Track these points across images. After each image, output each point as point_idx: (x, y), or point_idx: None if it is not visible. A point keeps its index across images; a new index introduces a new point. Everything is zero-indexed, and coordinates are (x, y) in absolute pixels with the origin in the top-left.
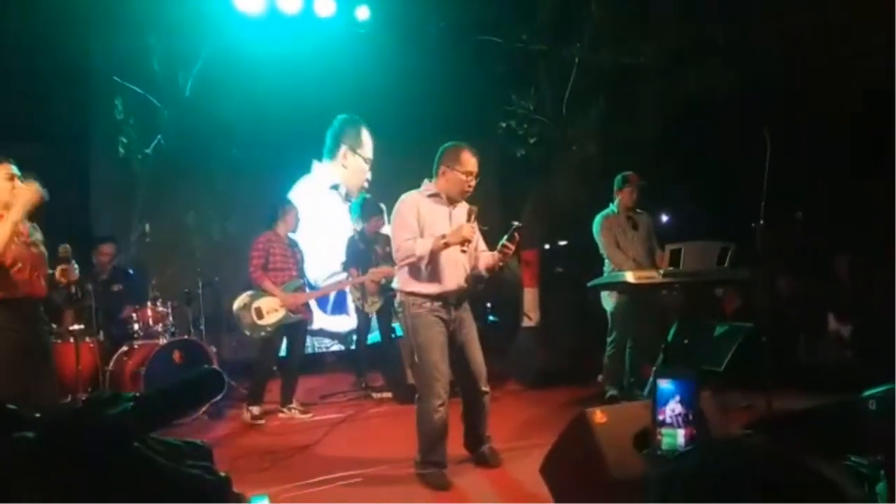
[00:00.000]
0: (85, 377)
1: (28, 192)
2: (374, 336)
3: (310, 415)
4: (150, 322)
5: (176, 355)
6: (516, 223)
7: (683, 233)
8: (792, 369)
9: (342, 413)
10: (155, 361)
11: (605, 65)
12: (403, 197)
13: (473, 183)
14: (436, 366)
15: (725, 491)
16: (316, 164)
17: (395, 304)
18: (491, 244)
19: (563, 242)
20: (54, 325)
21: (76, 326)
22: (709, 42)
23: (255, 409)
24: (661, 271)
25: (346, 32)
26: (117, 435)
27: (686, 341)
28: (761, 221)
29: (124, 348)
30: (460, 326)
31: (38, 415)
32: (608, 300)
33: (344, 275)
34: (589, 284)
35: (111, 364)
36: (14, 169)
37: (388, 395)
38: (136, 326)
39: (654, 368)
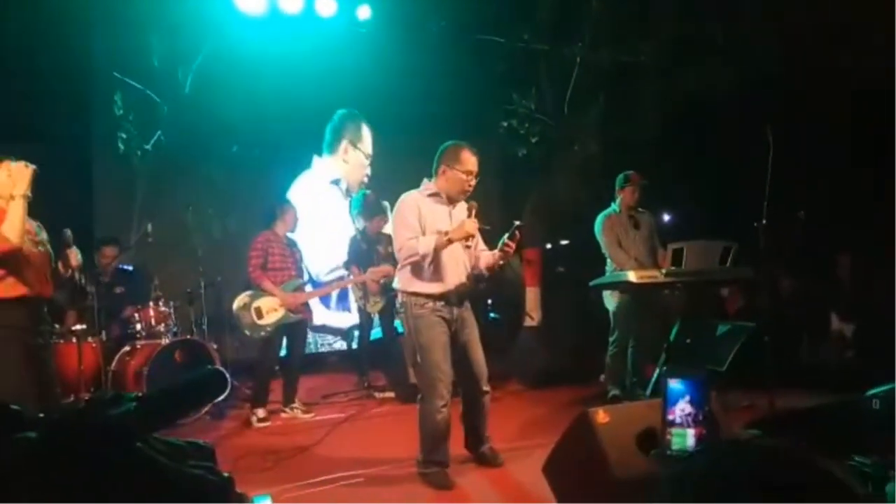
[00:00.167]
0: (87, 377)
1: (24, 170)
2: (375, 332)
3: (312, 414)
4: (153, 322)
5: (178, 355)
6: (517, 222)
7: (684, 232)
8: (794, 369)
9: (344, 413)
10: (157, 361)
11: (606, 64)
12: (403, 197)
13: (473, 182)
14: (438, 366)
15: (737, 492)
16: (316, 159)
17: (397, 305)
18: (492, 244)
19: (564, 242)
20: (57, 326)
21: (78, 326)
22: (709, 41)
23: (261, 412)
24: (664, 271)
25: (348, 32)
26: (120, 435)
27: (688, 341)
28: (764, 221)
29: (127, 348)
30: (462, 326)
31: (40, 415)
32: (610, 300)
33: (345, 272)
34: (591, 284)
35: (113, 364)
36: (13, 165)
37: (391, 394)
38: (138, 326)
39: (657, 368)
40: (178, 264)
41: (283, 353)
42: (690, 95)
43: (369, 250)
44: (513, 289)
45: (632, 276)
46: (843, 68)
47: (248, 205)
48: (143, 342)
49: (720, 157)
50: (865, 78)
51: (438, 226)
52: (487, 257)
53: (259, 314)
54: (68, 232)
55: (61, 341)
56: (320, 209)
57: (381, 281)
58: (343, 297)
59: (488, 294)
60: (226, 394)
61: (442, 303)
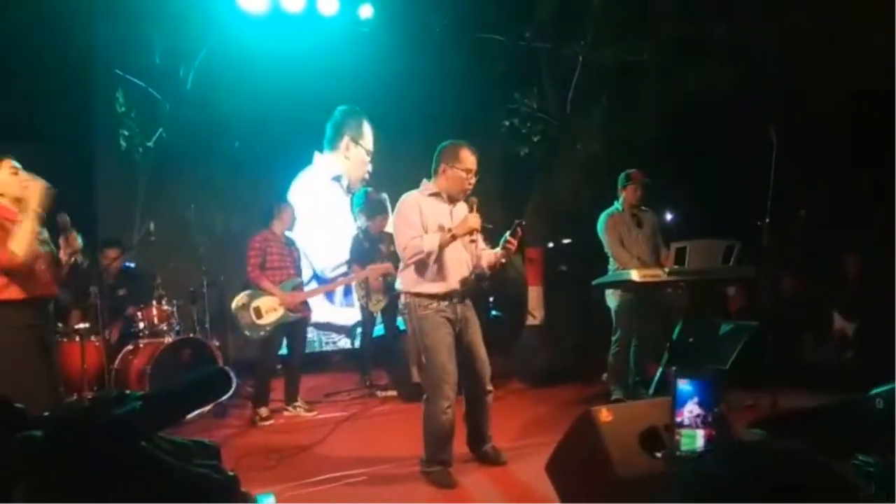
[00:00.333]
0: (90, 376)
1: (40, 186)
2: (378, 330)
3: (314, 413)
4: (156, 321)
5: (181, 354)
6: (519, 220)
7: (685, 231)
8: (796, 368)
9: (347, 411)
10: (160, 360)
11: (608, 63)
12: (404, 197)
13: (473, 180)
14: (444, 367)
15: (747, 492)
16: (317, 156)
17: (400, 306)
18: (494, 244)
19: (567, 241)
20: (60, 325)
21: (82, 325)
22: (711, 40)
23: (263, 411)
24: (667, 270)
25: (349, 30)
26: (125, 434)
27: (691, 340)
28: (767, 220)
29: (130, 347)
30: (466, 325)
31: (45, 413)
32: (612, 298)
33: (347, 270)
34: (594, 283)
35: (116, 362)
36: (15, 163)
37: (393, 393)
38: (141, 325)
39: (659, 367)
40: (180, 263)
41: (284, 351)
42: (692, 95)
43: (371, 249)
44: (515, 287)
45: (634, 275)
46: (843, 68)
47: (250, 202)
48: (145, 341)
49: (721, 157)
50: (865, 78)
51: (440, 224)
52: (489, 255)
53: (258, 314)
54: (65, 216)
55: (65, 340)
56: (322, 206)
57: (384, 279)
58: (348, 293)
59: (490, 292)
60: (231, 393)
61: (446, 303)
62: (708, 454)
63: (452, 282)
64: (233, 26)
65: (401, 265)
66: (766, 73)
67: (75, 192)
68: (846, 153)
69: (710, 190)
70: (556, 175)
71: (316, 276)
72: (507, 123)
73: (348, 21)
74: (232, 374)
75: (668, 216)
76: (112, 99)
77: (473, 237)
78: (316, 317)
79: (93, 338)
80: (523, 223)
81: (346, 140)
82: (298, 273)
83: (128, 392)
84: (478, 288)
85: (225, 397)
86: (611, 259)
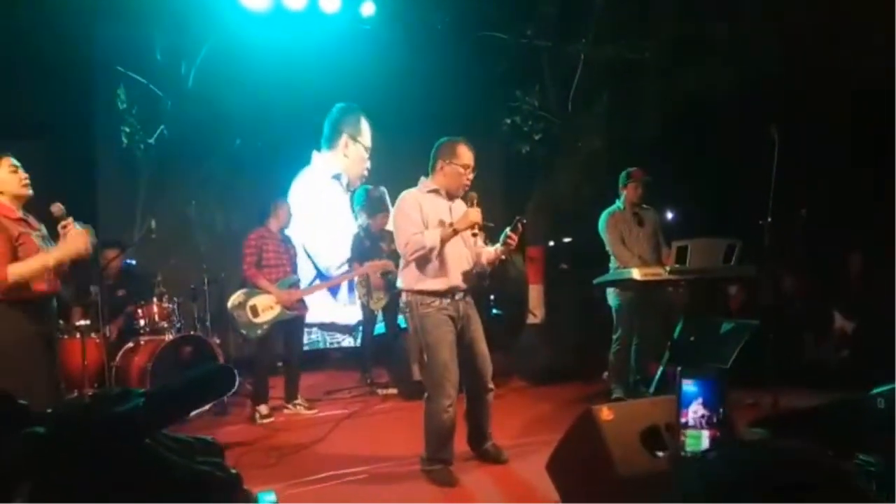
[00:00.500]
0: (91, 373)
1: (79, 241)
2: (379, 327)
3: (315, 411)
4: (156, 318)
5: (182, 351)
6: (520, 216)
7: (686, 230)
8: (797, 367)
9: (347, 409)
10: (161, 357)
11: (610, 61)
12: (403, 195)
13: (471, 176)
14: (446, 365)
15: (750, 492)
16: (315, 155)
17: (402, 304)
18: (495, 243)
19: (567, 239)
20: (61, 322)
21: (82, 322)
22: (712, 39)
23: (263, 409)
24: (668, 268)
25: (351, 28)
26: (128, 431)
27: (692, 339)
28: (768, 219)
29: (130, 344)
30: (468, 323)
31: (48, 410)
32: (614, 297)
33: (349, 269)
34: (595, 281)
35: (117, 360)
36: (14, 161)
37: (394, 391)
38: (142, 322)
39: (660, 366)
40: (181, 260)
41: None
42: (694, 93)
43: (373, 247)
44: (516, 286)
45: (636, 274)
46: (845, 67)
47: (251, 200)
48: (146, 338)
49: (723, 155)
50: (867, 77)
51: (441, 219)
52: (489, 252)
53: (255, 312)
54: (59, 205)
55: (66, 337)
56: (323, 205)
57: (385, 277)
58: (351, 291)
59: (491, 290)
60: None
61: (448, 300)
62: (713, 453)
63: (454, 278)
64: (234, 23)
65: (401, 263)
66: (767, 72)
67: (76, 189)
68: (848, 152)
69: (711, 188)
70: (557, 173)
71: (320, 275)
72: (508, 121)
73: (350, 18)
74: (235, 372)
75: (670, 215)
76: (113, 96)
77: (475, 231)
78: (320, 317)
79: (93, 335)
80: (524, 219)
81: (344, 137)
82: (295, 271)
83: (130, 389)
84: (479, 286)
85: (228, 395)
86: (612, 257)
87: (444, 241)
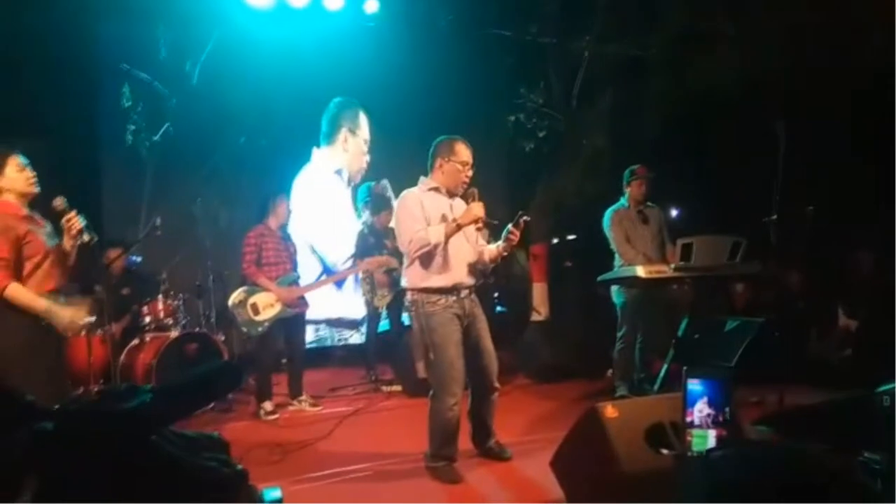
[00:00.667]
0: (96, 370)
1: (82, 315)
2: (383, 324)
3: (319, 408)
4: (161, 315)
5: (187, 348)
6: (522, 212)
7: (691, 227)
8: (802, 365)
9: (352, 406)
10: (166, 354)
11: (614, 58)
12: (404, 194)
13: (470, 173)
14: (452, 364)
15: (756, 491)
16: (315, 151)
17: (407, 303)
18: (499, 240)
19: (571, 237)
20: None
21: (88, 319)
22: (719, 35)
23: (268, 405)
24: (672, 266)
25: (355, 25)
26: (134, 427)
27: (697, 336)
28: (774, 216)
29: (135, 341)
30: (474, 321)
31: (55, 406)
32: (618, 294)
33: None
34: (599, 279)
35: (122, 357)
36: (20, 160)
37: (398, 388)
38: (147, 319)
39: (665, 363)
40: (186, 257)
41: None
42: (699, 90)
43: (377, 244)
44: (520, 283)
45: (640, 271)
46: (852, 64)
47: (256, 196)
48: (151, 335)
49: (728, 152)
50: (865, 78)
51: (443, 215)
52: (491, 249)
53: (255, 310)
54: (60, 198)
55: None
56: (325, 201)
57: (389, 275)
58: (359, 283)
59: (495, 288)
60: (240, 387)
61: (454, 297)
62: (717, 454)
63: (458, 274)
64: (239, 21)
65: (405, 262)
66: (773, 68)
67: (81, 187)
68: (854, 150)
69: (715, 185)
70: (561, 170)
71: (327, 271)
72: (512, 118)
73: (354, 16)
74: (240, 369)
75: (674, 212)
76: (118, 93)
77: (479, 226)
78: (326, 313)
79: (99, 332)
80: (526, 214)
81: (343, 131)
82: (295, 268)
83: (137, 385)
84: (483, 283)
85: (233, 392)
86: (616, 255)
87: (447, 237)
